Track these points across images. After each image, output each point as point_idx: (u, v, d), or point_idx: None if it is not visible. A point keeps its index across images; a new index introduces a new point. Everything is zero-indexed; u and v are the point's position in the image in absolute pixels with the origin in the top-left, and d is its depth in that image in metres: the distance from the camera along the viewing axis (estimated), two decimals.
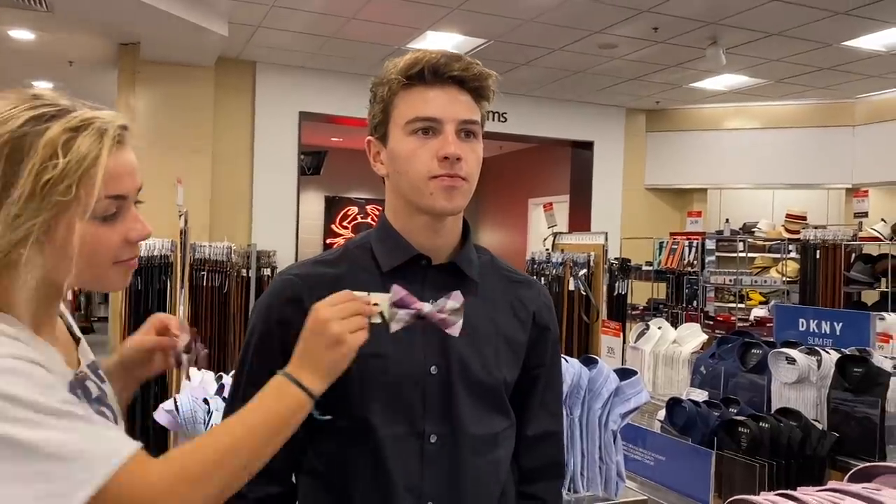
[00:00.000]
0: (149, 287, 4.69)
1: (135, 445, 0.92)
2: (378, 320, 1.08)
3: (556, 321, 1.38)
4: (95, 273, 1.00)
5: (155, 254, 4.76)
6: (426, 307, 1.10)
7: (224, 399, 2.23)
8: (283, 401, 1.03)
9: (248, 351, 1.23)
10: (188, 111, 7.27)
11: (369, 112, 1.26)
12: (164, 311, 4.97)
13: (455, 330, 1.11)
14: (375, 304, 1.08)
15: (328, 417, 1.12)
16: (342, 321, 1.05)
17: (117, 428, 1.00)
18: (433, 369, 1.20)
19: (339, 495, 1.20)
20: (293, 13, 6.24)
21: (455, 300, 1.11)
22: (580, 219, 9.48)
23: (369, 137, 1.27)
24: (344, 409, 1.17)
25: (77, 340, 1.12)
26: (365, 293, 1.08)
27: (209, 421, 1.96)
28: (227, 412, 1.22)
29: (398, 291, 1.09)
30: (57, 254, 0.94)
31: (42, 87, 0.99)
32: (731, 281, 7.13)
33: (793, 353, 2.51)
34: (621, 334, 3.44)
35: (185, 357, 1.25)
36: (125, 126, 1.01)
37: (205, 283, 5.29)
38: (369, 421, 1.17)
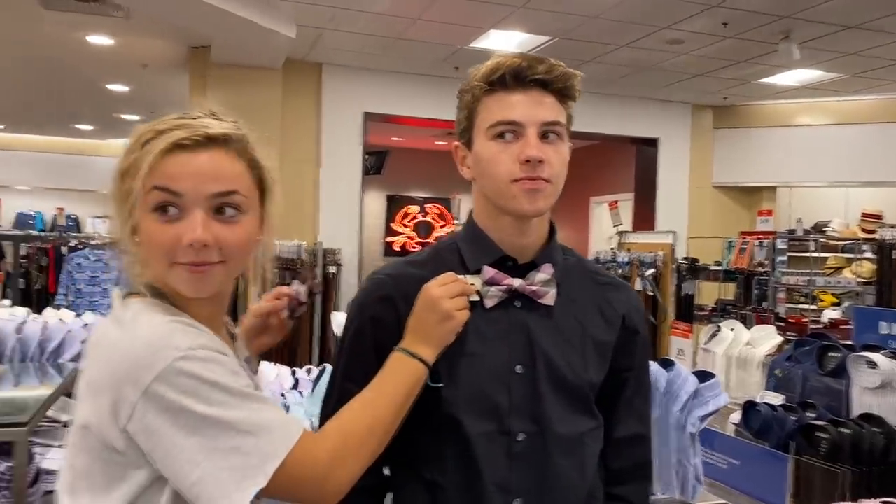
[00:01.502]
0: None
1: (302, 425, 1.04)
2: (476, 298, 1.20)
3: (646, 325, 1.37)
4: (158, 271, 1.02)
5: None
6: (517, 281, 1.21)
7: (300, 394, 2.29)
8: (405, 372, 1.15)
9: (342, 348, 1.29)
10: (257, 113, 7.41)
11: (455, 118, 1.29)
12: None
13: (549, 299, 1.21)
14: (472, 284, 1.20)
15: (441, 385, 1.20)
16: (451, 299, 1.16)
17: (282, 410, 1.10)
18: (518, 368, 1.22)
19: (430, 487, 1.23)
20: (359, 15, 6.31)
21: (545, 272, 1.21)
22: (645, 217, 9.33)
23: (456, 143, 1.30)
24: (435, 405, 1.21)
25: (234, 337, 1.21)
26: (463, 275, 1.21)
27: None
28: (326, 407, 1.27)
29: (488, 271, 1.20)
30: (142, 248, 1.03)
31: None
32: (803, 282, 6.92)
33: (875, 357, 2.43)
34: (691, 336, 3.39)
35: (299, 289, 1.38)
36: (213, 134, 1.02)
37: (277, 281, 5.42)
38: (458, 418, 1.20)
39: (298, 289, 1.37)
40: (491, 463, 1.20)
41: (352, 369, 1.24)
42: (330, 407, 1.23)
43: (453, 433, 1.21)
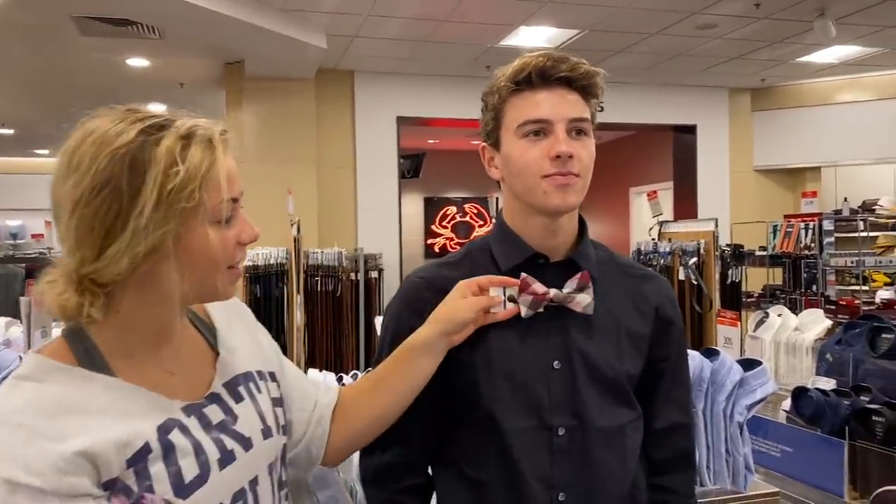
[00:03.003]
0: (267, 294, 4.91)
1: None
2: (511, 305, 1.22)
3: (680, 315, 1.38)
4: (212, 280, 0.99)
5: (272, 262, 4.98)
6: (552, 291, 1.21)
7: None
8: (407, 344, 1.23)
9: (382, 349, 1.32)
10: (292, 123, 7.53)
11: (481, 120, 1.32)
12: (283, 315, 5.19)
13: (589, 308, 1.22)
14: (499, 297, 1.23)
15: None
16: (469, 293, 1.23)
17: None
18: (556, 364, 1.25)
19: (473, 485, 1.25)
20: (388, 20, 6.36)
21: (582, 279, 1.21)
22: (686, 206, 9.21)
23: (483, 144, 1.32)
24: (474, 402, 1.24)
25: (217, 356, 1.10)
26: (499, 290, 1.23)
27: None
28: None
29: (524, 278, 1.22)
30: (188, 261, 0.96)
31: (156, 109, 1.03)
32: (852, 262, 6.76)
33: None
34: (738, 323, 3.35)
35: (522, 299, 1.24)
36: (225, 131, 1.01)
37: (319, 288, 5.50)
38: (497, 414, 1.23)
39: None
40: (532, 458, 1.22)
41: None
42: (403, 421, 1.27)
43: (493, 430, 1.23)
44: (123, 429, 0.92)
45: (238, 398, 1.07)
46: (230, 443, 1.01)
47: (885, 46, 7.51)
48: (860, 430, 2.13)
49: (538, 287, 1.22)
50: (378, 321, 3.30)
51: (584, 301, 1.22)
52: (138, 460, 0.92)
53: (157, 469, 0.92)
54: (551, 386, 1.24)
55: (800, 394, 2.34)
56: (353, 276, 5.97)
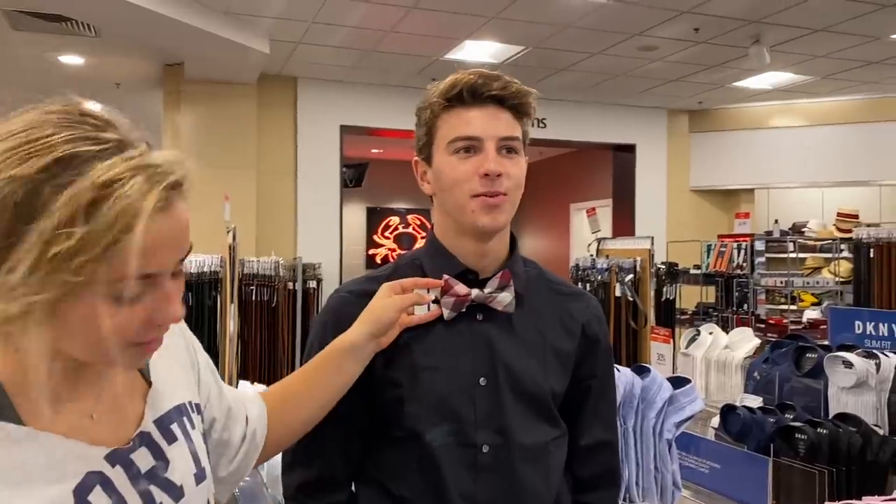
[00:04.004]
0: (200, 303, 4.79)
1: None
2: (434, 307, 1.23)
3: (608, 332, 1.39)
4: (102, 355, 0.80)
5: (205, 270, 4.86)
6: (474, 291, 1.22)
7: None
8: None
9: (305, 362, 1.29)
10: (232, 128, 7.40)
11: (415, 134, 1.30)
12: (216, 325, 5.06)
13: (510, 307, 1.23)
14: (428, 294, 1.23)
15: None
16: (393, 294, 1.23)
17: None
18: (482, 380, 1.24)
19: (396, 501, 1.23)
20: (332, 28, 6.32)
21: (500, 279, 1.23)
22: (624, 223, 9.38)
23: (416, 158, 1.31)
24: (398, 420, 1.23)
25: (150, 386, 0.95)
26: (423, 291, 1.24)
27: None
28: None
29: (447, 279, 1.23)
30: (66, 334, 0.77)
31: (91, 108, 0.85)
32: (782, 283, 6.98)
33: (850, 356, 2.44)
34: (671, 340, 3.40)
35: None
36: (180, 180, 0.80)
37: (254, 298, 5.39)
38: (420, 431, 1.21)
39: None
40: (456, 475, 1.21)
41: None
42: (321, 436, 1.25)
43: (417, 447, 1.22)
44: (37, 502, 0.78)
45: (171, 438, 0.93)
46: (159, 495, 0.88)
47: (816, 75, 7.80)
48: (784, 447, 2.18)
49: (460, 288, 1.22)
50: None
51: (504, 300, 1.23)
52: None
53: None
54: (477, 402, 1.23)
55: (728, 411, 2.38)
56: (290, 285, 5.87)
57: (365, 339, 1.19)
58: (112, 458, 0.85)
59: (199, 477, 0.95)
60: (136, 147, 0.78)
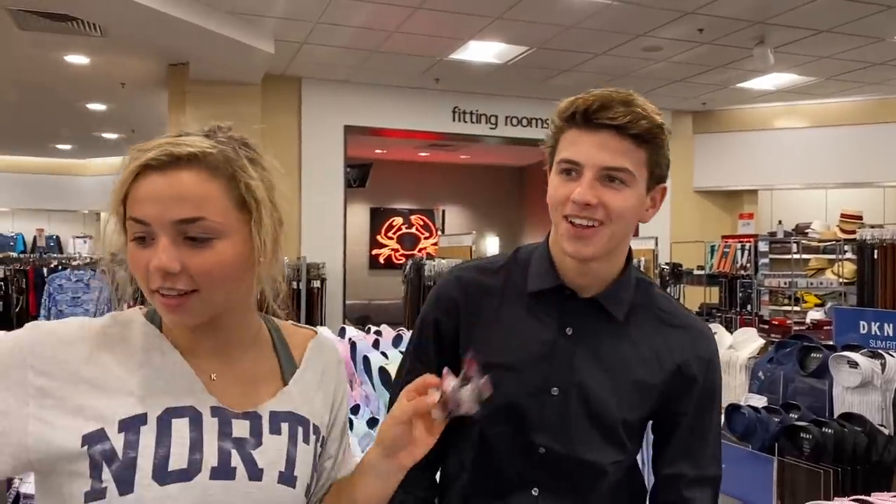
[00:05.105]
0: None
1: None
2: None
3: (716, 373, 1.35)
4: (147, 294, 0.96)
5: None
6: (449, 388, 1.01)
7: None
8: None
9: (417, 327, 1.42)
10: (237, 128, 7.37)
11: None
12: None
13: (473, 409, 1.02)
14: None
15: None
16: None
17: None
18: (554, 390, 1.27)
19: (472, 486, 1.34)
20: (337, 29, 6.33)
21: (482, 388, 1.01)
22: None
23: (546, 167, 1.32)
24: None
25: (285, 385, 1.06)
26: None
27: None
28: (398, 374, 1.44)
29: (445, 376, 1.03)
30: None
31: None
32: (785, 284, 6.97)
33: (855, 356, 2.45)
34: None
35: (463, 393, 1.00)
36: (178, 154, 0.93)
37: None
38: (484, 422, 1.26)
39: (454, 386, 1.00)
40: (514, 468, 1.29)
41: (419, 352, 1.38)
42: (402, 375, 1.38)
43: (481, 438, 1.30)
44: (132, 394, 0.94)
45: (276, 430, 1.00)
46: (236, 461, 0.95)
47: (820, 76, 7.80)
48: (789, 446, 2.19)
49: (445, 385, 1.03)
50: (321, 330, 3.25)
51: (468, 405, 1.00)
52: (130, 426, 0.91)
53: (146, 442, 0.91)
54: (543, 409, 1.27)
55: (733, 411, 2.39)
56: (294, 285, 5.88)
57: (378, 458, 1.06)
58: (215, 411, 0.96)
59: (287, 479, 0.98)
60: (188, 134, 0.98)
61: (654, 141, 1.21)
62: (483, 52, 6.98)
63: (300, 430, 1.02)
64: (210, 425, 0.95)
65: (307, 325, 1.19)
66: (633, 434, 1.31)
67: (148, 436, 0.91)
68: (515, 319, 1.30)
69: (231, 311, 1.00)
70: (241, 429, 0.97)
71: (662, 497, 1.35)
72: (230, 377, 1.01)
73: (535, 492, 1.27)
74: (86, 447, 0.89)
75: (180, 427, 0.93)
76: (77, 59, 6.84)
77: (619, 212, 1.19)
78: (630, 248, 1.33)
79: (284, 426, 1.01)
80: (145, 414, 0.92)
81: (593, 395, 1.25)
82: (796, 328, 6.24)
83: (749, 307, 6.97)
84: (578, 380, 1.26)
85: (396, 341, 3.05)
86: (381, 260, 12.82)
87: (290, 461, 0.99)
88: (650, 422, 1.36)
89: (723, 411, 2.42)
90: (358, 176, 11.33)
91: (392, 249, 12.93)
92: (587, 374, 1.26)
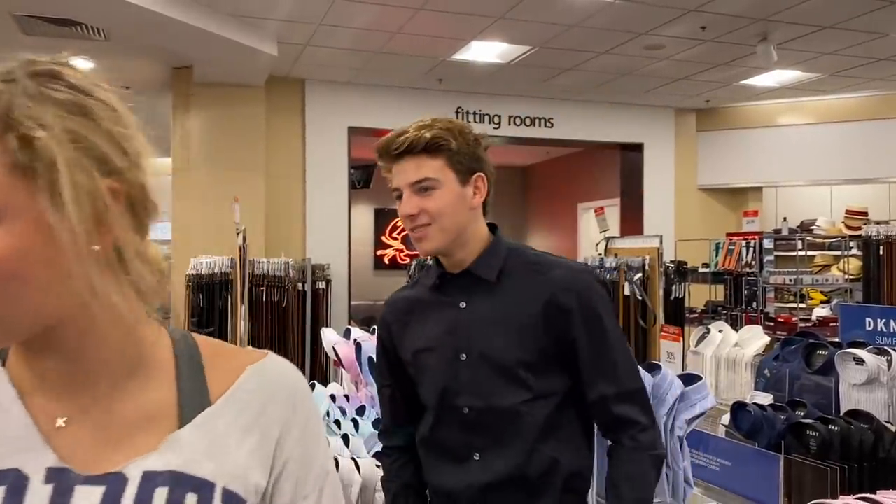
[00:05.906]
0: (211, 304, 4.81)
1: None
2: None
3: (592, 298, 1.52)
4: None
5: (216, 271, 4.88)
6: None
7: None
8: None
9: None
10: (241, 131, 7.43)
11: None
12: (227, 326, 5.09)
13: None
14: None
15: None
16: None
17: None
18: (462, 356, 1.53)
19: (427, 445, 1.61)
20: (340, 30, 6.34)
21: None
22: (632, 222, 9.37)
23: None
24: (414, 390, 1.61)
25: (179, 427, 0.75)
26: None
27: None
28: (380, 401, 1.76)
29: None
30: None
31: None
32: (791, 281, 6.95)
33: (861, 353, 2.45)
34: (681, 339, 3.40)
35: None
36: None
37: (264, 299, 5.42)
38: (423, 398, 1.59)
39: None
40: (448, 430, 1.54)
41: (379, 366, 1.71)
42: (384, 401, 1.71)
43: (424, 408, 1.60)
44: None
45: (146, 503, 0.67)
46: None
47: (824, 72, 7.78)
48: (795, 444, 2.19)
49: None
50: (325, 333, 3.26)
51: None
52: None
53: None
54: (459, 373, 1.53)
55: (738, 408, 2.39)
56: (299, 286, 5.90)
57: None
58: (53, 474, 0.67)
59: None
60: None
61: (443, 147, 1.48)
62: (485, 52, 6.98)
63: (191, 499, 0.68)
64: (38, 497, 0.65)
65: (260, 349, 0.84)
66: (538, 373, 1.50)
67: None
68: (430, 311, 1.59)
69: (84, 326, 0.69)
70: (87, 499, 0.66)
71: (599, 420, 1.55)
72: (89, 423, 0.70)
73: (476, 457, 1.51)
74: None
75: None
76: (81, 64, 6.80)
77: (437, 210, 1.48)
78: (494, 225, 1.59)
79: (160, 494, 0.67)
80: None
81: (491, 348, 1.50)
82: (802, 325, 6.24)
83: (754, 304, 6.96)
84: (477, 339, 1.51)
85: None
86: (386, 261, 12.82)
87: None
88: (558, 364, 1.53)
89: (728, 409, 2.42)
90: (362, 177, 11.33)
91: (396, 250, 12.92)
92: (482, 333, 1.51)
